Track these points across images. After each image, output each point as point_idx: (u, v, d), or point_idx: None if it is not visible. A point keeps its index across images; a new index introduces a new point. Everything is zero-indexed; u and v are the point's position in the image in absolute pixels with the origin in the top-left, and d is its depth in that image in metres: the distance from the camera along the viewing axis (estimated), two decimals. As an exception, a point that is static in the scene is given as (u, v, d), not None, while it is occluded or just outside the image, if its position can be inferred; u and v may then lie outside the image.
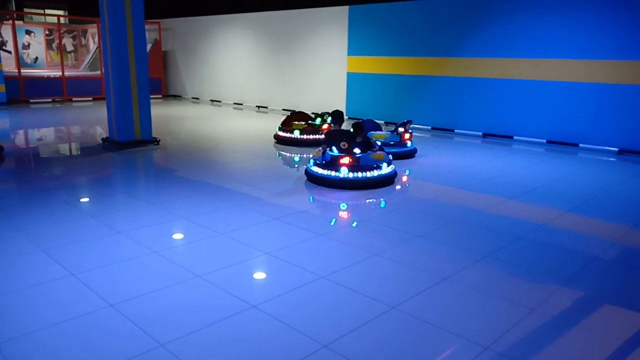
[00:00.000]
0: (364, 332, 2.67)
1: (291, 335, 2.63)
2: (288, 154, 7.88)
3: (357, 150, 5.89)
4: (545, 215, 4.92)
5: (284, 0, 13.14)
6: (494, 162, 7.52)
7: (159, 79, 16.46)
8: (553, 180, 6.37)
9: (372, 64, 11.40)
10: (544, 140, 9.13)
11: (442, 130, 10.41)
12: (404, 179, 6.56)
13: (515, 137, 9.47)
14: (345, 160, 5.70)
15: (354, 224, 4.54)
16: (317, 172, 5.80)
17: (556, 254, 3.91)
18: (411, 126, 7.50)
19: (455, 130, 10.24)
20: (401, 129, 7.36)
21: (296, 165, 7.32)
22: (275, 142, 8.57)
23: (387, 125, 10.69)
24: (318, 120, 8.47)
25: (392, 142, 7.28)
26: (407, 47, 10.71)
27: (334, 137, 6.06)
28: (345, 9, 11.69)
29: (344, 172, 5.63)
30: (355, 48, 11.66)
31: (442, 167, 7.09)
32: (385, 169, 5.90)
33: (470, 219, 4.74)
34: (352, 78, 11.85)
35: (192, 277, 3.30)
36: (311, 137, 8.27)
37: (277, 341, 2.58)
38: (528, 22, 8.97)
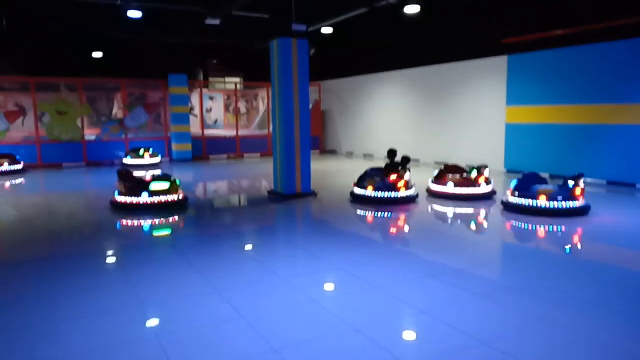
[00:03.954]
0: (533, 409, 2.40)
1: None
2: (440, 209, 7.69)
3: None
4: None
5: (438, 56, 13.25)
6: (691, 222, 6.38)
7: (317, 136, 17.61)
8: None
9: (533, 114, 10.74)
10: None
11: (621, 184, 9.21)
12: (575, 239, 5.91)
13: None
14: (401, 183, 7.86)
15: (517, 287, 4.18)
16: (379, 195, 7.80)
17: None
18: (583, 180, 6.78)
19: (638, 185, 8.98)
20: (571, 183, 6.70)
21: (450, 221, 7.10)
22: (428, 196, 8.44)
23: (552, 178, 9.85)
24: (473, 173, 8.16)
25: (559, 198, 6.65)
26: (574, 94, 9.90)
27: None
28: (503, 59, 11.34)
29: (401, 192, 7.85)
30: (515, 98, 11.15)
31: (622, 227, 6.24)
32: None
33: (664, 290, 4.04)
34: (511, 129, 11.28)
35: (348, 329, 3.35)
36: (466, 190, 7.98)
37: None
38: None
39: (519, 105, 11.06)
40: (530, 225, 6.38)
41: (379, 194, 7.82)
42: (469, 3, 11.45)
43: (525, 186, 6.97)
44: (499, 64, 11.49)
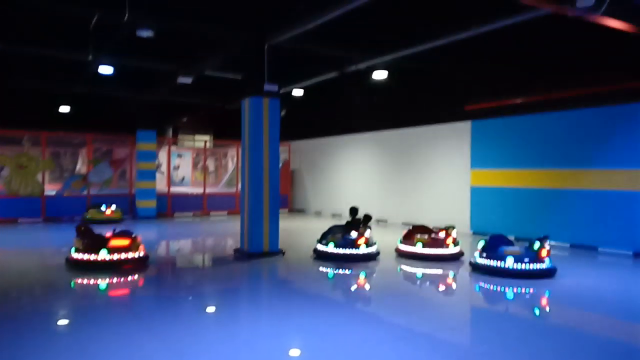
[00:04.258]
0: None
1: None
2: (409, 269, 7.62)
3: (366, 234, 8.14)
4: None
5: (403, 120, 13.67)
6: (653, 285, 6.50)
7: (286, 195, 17.56)
8: None
9: (498, 177, 11.05)
10: None
11: (583, 247, 9.40)
12: (544, 301, 5.90)
13: (676, 257, 8.20)
14: (362, 240, 8.00)
15: (487, 352, 4.06)
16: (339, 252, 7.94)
17: None
18: (548, 242, 6.87)
19: (599, 248, 9.18)
20: (537, 245, 6.77)
21: (418, 282, 7.01)
22: (397, 256, 8.38)
23: (517, 241, 9.98)
24: (442, 234, 8.19)
25: (526, 260, 6.69)
26: (537, 159, 10.27)
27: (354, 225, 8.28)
28: (467, 124, 11.78)
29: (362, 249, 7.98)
30: (479, 161, 11.49)
31: (588, 289, 6.28)
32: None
33: (625, 356, 4.01)
34: (476, 191, 11.53)
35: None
36: (434, 251, 7.97)
37: None
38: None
39: (484, 168, 11.39)
40: (498, 287, 6.35)
41: (341, 250, 7.92)
42: (441, 70, 11.96)
43: (493, 248, 7.01)
44: (463, 128, 11.91)
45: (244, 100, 8.63)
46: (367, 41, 9.97)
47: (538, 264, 6.69)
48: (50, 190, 14.43)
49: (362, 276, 7.09)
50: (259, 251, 8.31)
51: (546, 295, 6.09)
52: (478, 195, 11.49)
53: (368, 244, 8.06)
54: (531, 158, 10.41)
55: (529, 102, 10.65)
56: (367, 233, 8.14)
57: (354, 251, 7.92)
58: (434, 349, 4.01)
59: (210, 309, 5.29)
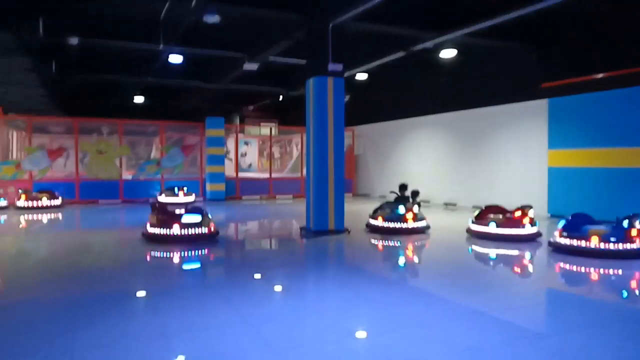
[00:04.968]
0: None
1: None
2: (481, 249, 7.27)
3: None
4: None
5: (473, 100, 13.08)
6: None
7: (350, 180, 17.47)
8: None
9: (579, 157, 10.29)
10: None
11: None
12: (633, 284, 5.41)
13: None
14: (410, 214, 8.35)
15: (572, 338, 3.77)
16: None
17: None
18: (639, 221, 6.29)
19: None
20: (626, 223, 6.21)
21: (491, 262, 6.68)
22: (469, 237, 8.04)
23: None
24: (518, 214, 7.74)
25: (613, 239, 6.16)
26: (621, 136, 9.46)
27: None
28: (544, 103, 11.06)
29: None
30: (557, 141, 10.75)
31: (687, 271, 5.68)
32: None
33: None
34: (554, 172, 10.82)
35: (388, 362, 3.03)
36: (509, 231, 7.55)
37: None
38: None
39: (563, 148, 10.65)
40: (581, 268, 5.89)
41: (390, 224, 8.34)
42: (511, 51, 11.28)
43: (575, 227, 6.53)
44: (539, 107, 11.20)
45: (309, 80, 8.57)
46: (433, 17, 9.54)
47: (627, 244, 6.14)
48: (128, 175, 15.28)
49: (429, 255, 6.86)
50: (324, 229, 8.29)
51: (635, 277, 5.58)
52: (556, 176, 10.78)
53: (416, 218, 8.37)
54: (616, 136, 9.59)
55: (611, 77, 9.79)
56: (415, 208, 8.46)
57: (402, 225, 8.27)
58: (501, 330, 3.77)
59: (279, 280, 5.31)
